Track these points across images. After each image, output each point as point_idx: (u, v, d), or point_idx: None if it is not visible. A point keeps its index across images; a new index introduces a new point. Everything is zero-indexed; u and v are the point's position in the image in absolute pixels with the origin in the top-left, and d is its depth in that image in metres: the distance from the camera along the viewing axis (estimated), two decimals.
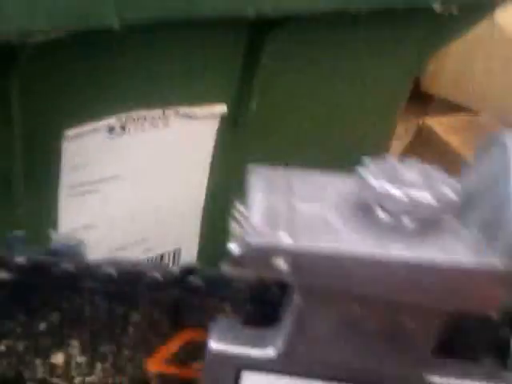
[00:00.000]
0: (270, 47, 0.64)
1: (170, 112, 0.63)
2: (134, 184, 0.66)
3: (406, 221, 0.29)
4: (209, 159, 0.70)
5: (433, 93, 1.25)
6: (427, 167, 0.31)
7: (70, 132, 0.57)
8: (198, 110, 0.65)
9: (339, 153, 0.78)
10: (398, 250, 0.28)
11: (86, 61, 0.54)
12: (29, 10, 0.41)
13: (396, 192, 0.28)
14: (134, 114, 0.61)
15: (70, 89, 0.55)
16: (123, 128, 0.61)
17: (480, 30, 0.84)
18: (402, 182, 0.29)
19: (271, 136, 0.73)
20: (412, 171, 0.30)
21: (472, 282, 0.28)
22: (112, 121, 0.60)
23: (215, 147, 0.70)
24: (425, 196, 0.28)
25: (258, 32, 0.63)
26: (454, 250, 0.29)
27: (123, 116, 0.60)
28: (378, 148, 0.84)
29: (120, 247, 0.68)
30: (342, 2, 0.61)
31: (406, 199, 0.28)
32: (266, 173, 0.34)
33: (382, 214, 0.29)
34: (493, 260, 0.28)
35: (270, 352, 0.33)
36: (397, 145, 1.12)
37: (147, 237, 0.71)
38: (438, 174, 0.31)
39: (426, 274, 0.28)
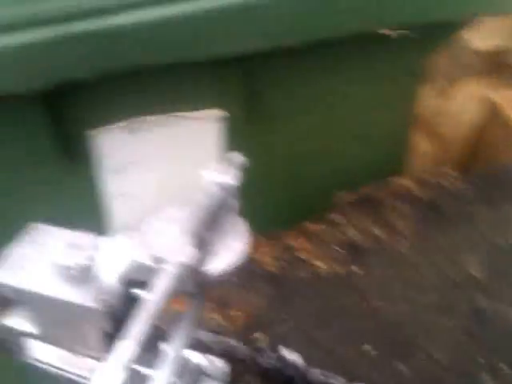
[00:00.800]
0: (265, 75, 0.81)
1: (175, 116, 0.84)
2: (155, 172, 0.89)
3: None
4: (215, 158, 0.90)
5: None
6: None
7: (96, 132, 0.82)
8: (199, 115, 0.85)
9: (339, 166, 0.93)
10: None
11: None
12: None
13: None
14: (144, 119, 0.83)
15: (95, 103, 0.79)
16: (141, 129, 0.84)
17: None
18: None
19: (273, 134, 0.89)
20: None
21: None
22: (129, 123, 0.83)
23: (219, 146, 0.89)
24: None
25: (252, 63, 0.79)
26: None
27: (137, 120, 0.83)
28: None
29: None
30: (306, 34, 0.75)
31: None
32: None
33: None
34: None
35: None
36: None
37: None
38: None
39: None
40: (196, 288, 0.45)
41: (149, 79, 0.75)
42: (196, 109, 0.84)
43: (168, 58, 0.71)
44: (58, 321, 0.52)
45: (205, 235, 0.45)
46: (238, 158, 0.51)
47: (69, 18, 0.64)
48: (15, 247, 0.53)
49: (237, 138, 0.87)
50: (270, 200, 0.91)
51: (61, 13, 0.64)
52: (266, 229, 0.80)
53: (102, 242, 0.50)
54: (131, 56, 0.68)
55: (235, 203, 0.50)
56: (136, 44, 0.67)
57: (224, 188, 0.48)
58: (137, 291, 0.48)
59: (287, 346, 0.72)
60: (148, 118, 0.83)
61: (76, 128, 0.80)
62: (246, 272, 0.83)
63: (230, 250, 0.46)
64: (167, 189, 0.91)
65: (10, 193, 0.82)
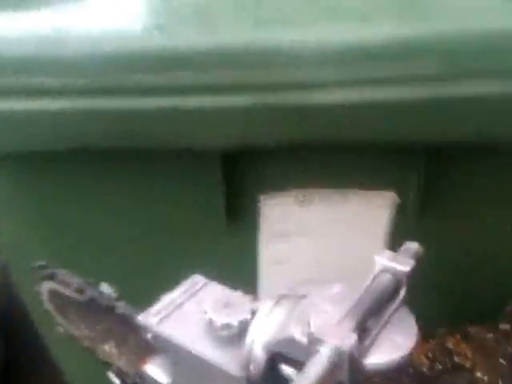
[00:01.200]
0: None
1: (347, 192, 0.82)
2: (316, 244, 0.87)
3: None
4: (381, 242, 0.85)
5: None
6: None
7: (266, 197, 0.82)
8: (372, 196, 0.82)
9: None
10: None
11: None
12: None
13: None
14: (316, 191, 0.82)
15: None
16: (310, 201, 0.83)
17: None
18: None
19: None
20: None
21: None
22: (299, 193, 0.82)
23: (386, 231, 0.84)
24: None
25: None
26: None
27: (308, 191, 0.82)
28: None
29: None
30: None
31: None
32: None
33: None
34: None
35: None
36: None
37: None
38: None
39: None
40: (350, 380, 0.41)
41: (330, 153, 0.75)
42: (370, 188, 0.81)
43: (364, 138, 0.70)
44: (196, 378, 0.51)
45: (369, 323, 0.41)
46: (414, 246, 0.47)
47: (276, 88, 0.65)
48: (174, 296, 0.54)
49: (406, 227, 0.82)
50: (435, 296, 0.84)
51: (271, 83, 0.66)
52: (426, 325, 0.73)
53: (258, 306, 0.49)
54: (320, 132, 0.68)
55: (404, 294, 0.46)
56: (333, 122, 0.67)
57: (396, 276, 0.44)
58: (285, 368, 0.45)
59: None
60: (319, 190, 0.82)
61: (247, 190, 0.81)
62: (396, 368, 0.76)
63: (395, 345, 0.41)
64: (326, 264, 0.88)
65: (173, 244, 0.84)
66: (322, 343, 0.40)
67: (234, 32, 0.66)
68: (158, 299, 0.53)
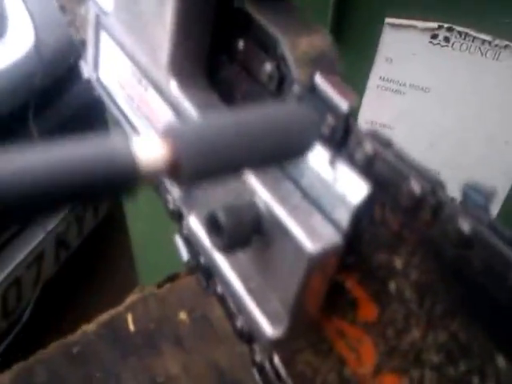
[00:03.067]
0: None
1: (502, 44, 0.60)
2: (442, 103, 0.66)
3: None
4: None
5: None
6: None
7: (392, 20, 0.62)
8: None
9: None
10: None
11: None
12: None
13: None
14: (461, 28, 0.60)
15: None
16: (447, 39, 0.62)
17: None
18: None
19: None
20: None
21: None
22: (435, 26, 0.61)
23: None
24: None
25: None
26: None
27: (448, 26, 0.61)
28: None
29: None
30: None
31: None
32: None
33: None
34: None
35: None
36: None
37: (443, 163, 0.69)
38: None
39: None
40: None
41: None
42: None
43: None
44: None
45: None
46: None
47: None
48: None
49: None
50: None
51: None
52: None
53: None
54: None
55: None
56: None
57: None
58: None
59: None
60: (463, 30, 0.60)
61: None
62: None
63: None
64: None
65: None
66: None
67: None
68: None
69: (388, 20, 0.62)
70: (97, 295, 1.48)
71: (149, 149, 0.18)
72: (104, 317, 0.58)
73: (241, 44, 0.31)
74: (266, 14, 0.28)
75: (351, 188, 0.26)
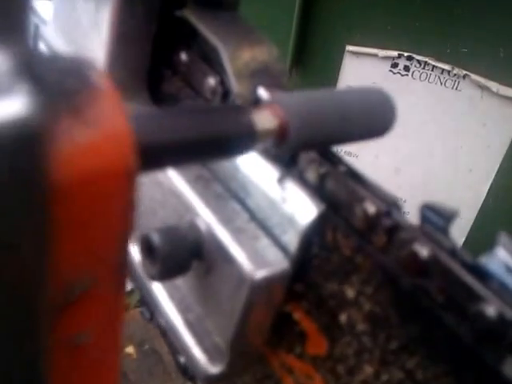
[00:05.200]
0: None
1: (461, 74, 0.60)
2: (404, 129, 0.65)
3: None
4: (504, 150, 0.62)
5: None
6: None
7: (352, 48, 0.61)
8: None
9: None
10: None
11: None
12: None
13: None
14: (420, 57, 0.60)
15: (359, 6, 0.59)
16: (407, 68, 0.61)
17: None
18: None
19: None
20: None
21: None
22: (395, 55, 0.61)
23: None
24: None
25: None
26: None
27: (408, 55, 0.60)
28: None
29: None
30: None
31: None
32: None
33: None
34: None
35: None
36: None
37: (402, 196, 0.68)
38: None
39: None
40: None
41: None
42: None
43: None
44: None
45: None
46: None
47: None
48: None
49: None
50: None
51: None
52: None
53: None
54: None
55: None
56: None
57: None
58: None
59: None
60: (423, 59, 0.60)
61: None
62: None
63: None
64: None
65: None
66: None
67: None
68: None
69: (349, 48, 0.61)
70: None
71: (263, 116, 0.20)
72: None
73: (184, 56, 0.28)
74: (207, 24, 0.26)
75: (301, 209, 0.24)
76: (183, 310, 0.27)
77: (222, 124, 0.19)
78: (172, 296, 0.27)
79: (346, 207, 0.23)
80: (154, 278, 0.24)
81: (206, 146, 0.19)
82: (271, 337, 0.26)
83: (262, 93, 0.23)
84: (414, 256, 0.21)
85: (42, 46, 0.35)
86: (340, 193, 0.23)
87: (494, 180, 0.62)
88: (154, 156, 0.17)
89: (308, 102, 0.21)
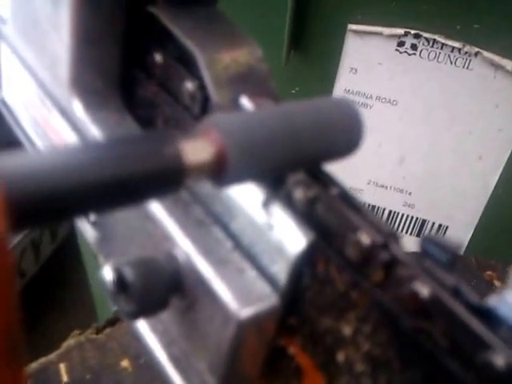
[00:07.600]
0: None
1: (472, 51, 0.56)
2: (410, 116, 0.62)
3: None
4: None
5: None
6: None
7: (355, 27, 0.58)
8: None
9: None
10: None
11: None
12: None
13: None
14: (428, 35, 0.56)
15: None
16: (415, 47, 0.58)
17: None
18: None
19: None
20: None
21: None
22: (402, 33, 0.57)
23: None
24: None
25: None
26: None
27: (415, 33, 0.57)
28: None
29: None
30: None
31: None
32: None
33: None
34: None
35: None
36: None
37: (407, 187, 0.65)
38: None
39: None
40: None
41: None
42: None
43: None
44: None
45: None
46: None
47: None
48: None
49: None
50: None
51: None
52: None
53: None
54: None
55: None
56: None
57: None
58: None
59: None
60: (431, 36, 0.56)
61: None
62: None
63: None
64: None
65: None
66: None
67: None
68: None
69: (351, 27, 0.58)
70: (58, 324, 1.40)
71: (195, 146, 0.17)
72: (32, 366, 0.52)
73: (158, 57, 0.25)
74: (181, 24, 0.23)
75: (289, 237, 0.21)
76: (167, 342, 0.24)
77: (138, 160, 0.15)
78: (154, 327, 0.25)
79: (338, 237, 0.20)
80: (128, 316, 0.22)
81: (115, 190, 0.15)
82: (266, 372, 0.24)
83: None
84: (414, 295, 0.18)
85: (4, 47, 0.32)
86: (331, 220, 0.20)
87: (503, 168, 0.58)
88: (35, 211, 0.14)
89: (252, 122, 0.18)
